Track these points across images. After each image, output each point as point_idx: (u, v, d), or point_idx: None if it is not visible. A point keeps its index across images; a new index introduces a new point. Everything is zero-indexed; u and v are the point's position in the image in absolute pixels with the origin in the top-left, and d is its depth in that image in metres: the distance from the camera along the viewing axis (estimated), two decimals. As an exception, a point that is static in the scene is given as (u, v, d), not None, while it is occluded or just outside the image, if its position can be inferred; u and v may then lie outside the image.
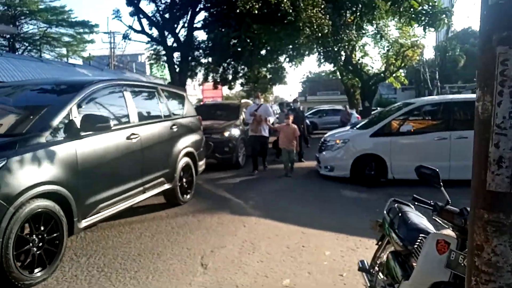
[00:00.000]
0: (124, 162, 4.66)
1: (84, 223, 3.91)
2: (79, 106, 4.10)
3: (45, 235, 3.48)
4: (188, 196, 6.35)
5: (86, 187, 3.97)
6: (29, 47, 30.65)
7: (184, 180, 6.22)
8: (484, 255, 1.26)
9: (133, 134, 4.78)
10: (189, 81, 23.98)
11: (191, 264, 3.94)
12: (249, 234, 4.86)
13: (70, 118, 3.92)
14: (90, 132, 4.02)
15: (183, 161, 6.07)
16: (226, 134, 9.43)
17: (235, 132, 9.86)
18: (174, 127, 5.93)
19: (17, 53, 26.34)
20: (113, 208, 4.38)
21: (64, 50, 32.65)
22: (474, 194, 1.32)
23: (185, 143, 6.19)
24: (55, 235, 3.57)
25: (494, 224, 1.24)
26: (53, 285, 3.42)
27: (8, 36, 26.55)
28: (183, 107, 6.71)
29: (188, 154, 6.28)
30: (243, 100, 11.84)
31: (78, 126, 3.91)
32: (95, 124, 3.99)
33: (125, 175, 4.69)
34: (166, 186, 5.62)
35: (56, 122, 3.81)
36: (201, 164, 6.94)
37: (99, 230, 4.94)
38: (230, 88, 26.78)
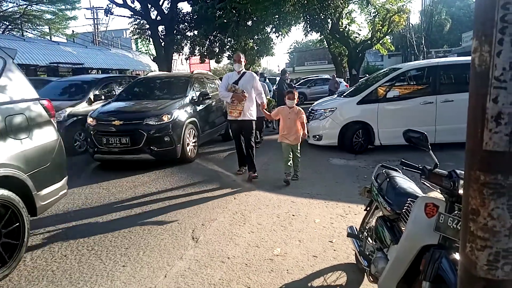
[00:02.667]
0: None
1: None
2: None
3: None
4: (7, 272, 3.12)
5: None
6: (9, 26, 29.62)
7: None
8: (480, 220, 1.18)
9: None
10: (176, 56, 23.54)
11: (182, 238, 3.91)
12: (239, 206, 4.85)
13: None
14: None
15: None
16: (166, 118, 6.91)
17: (180, 115, 7.22)
18: None
19: (-3, 33, 25.47)
20: None
21: (46, 28, 31.68)
22: (469, 155, 1.22)
23: None
24: None
25: (491, 186, 1.15)
26: (43, 266, 3.36)
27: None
28: None
29: (2, 183, 3.12)
30: (196, 71, 9.69)
31: None
32: None
33: None
34: None
35: None
36: (47, 193, 3.68)
37: (86, 209, 4.88)
38: (218, 61, 26.45)
